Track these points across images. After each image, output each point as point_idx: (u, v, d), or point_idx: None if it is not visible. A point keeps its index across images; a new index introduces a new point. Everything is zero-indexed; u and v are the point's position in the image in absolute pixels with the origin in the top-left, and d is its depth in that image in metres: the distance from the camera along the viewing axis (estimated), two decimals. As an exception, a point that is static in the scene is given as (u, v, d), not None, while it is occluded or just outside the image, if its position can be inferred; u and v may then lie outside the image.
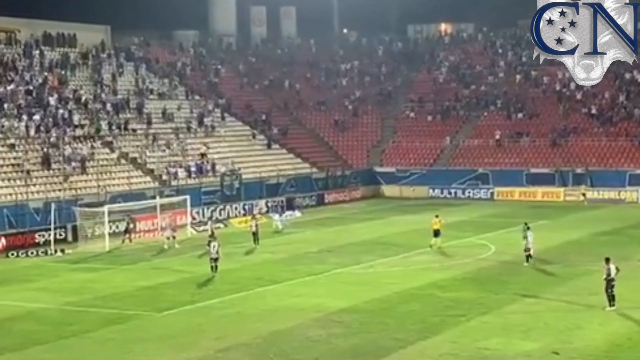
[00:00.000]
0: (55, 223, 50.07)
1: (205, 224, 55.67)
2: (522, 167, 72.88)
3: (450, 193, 73.51)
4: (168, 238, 48.74)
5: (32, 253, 47.38)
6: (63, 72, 70.74)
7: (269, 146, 74.97)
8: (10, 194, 53.09)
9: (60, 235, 50.72)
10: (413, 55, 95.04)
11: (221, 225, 58.12)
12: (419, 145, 79.71)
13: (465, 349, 25.89)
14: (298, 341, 27.45)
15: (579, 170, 70.37)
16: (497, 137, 76.34)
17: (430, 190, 74.16)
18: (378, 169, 78.51)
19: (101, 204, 52.30)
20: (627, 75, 76.79)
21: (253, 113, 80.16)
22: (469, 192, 72.96)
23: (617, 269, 30.84)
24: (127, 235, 50.28)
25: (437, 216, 47.18)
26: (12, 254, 47.14)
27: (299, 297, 34.17)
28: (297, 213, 64.28)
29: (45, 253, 47.43)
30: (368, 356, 25.44)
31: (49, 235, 49.60)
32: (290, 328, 29.11)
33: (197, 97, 77.72)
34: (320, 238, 51.16)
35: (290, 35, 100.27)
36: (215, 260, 39.86)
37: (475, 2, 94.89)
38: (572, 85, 79.83)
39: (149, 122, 68.57)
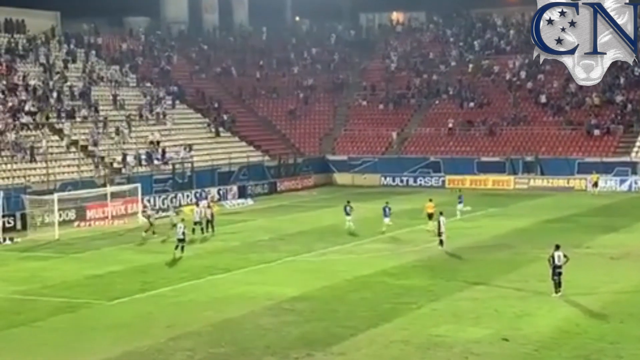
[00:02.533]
0: (3, 211, 49.38)
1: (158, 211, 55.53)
2: (473, 156, 73.48)
3: (402, 181, 73.89)
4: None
5: (-20, 241, 46.82)
6: (11, 58, 69.71)
7: (218, 134, 74.55)
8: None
9: (9, 223, 49.99)
10: (365, 43, 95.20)
11: (172, 213, 57.77)
12: (371, 133, 79.93)
13: (415, 336, 26.05)
14: (249, 329, 27.41)
15: (528, 159, 71.14)
16: (450, 125, 76.80)
17: (382, 178, 74.48)
18: (330, 157, 78.61)
19: (50, 192, 51.73)
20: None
21: (205, 101, 79.75)
22: (421, 180, 73.39)
23: (566, 257, 31.25)
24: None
25: (430, 200, 48.75)
26: (-40, 243, 46.56)
27: (251, 285, 34.11)
28: (250, 201, 64.28)
29: (-6, 241, 46.90)
30: (319, 344, 25.48)
31: (-3, 223, 48.99)
32: (241, 316, 29.06)
33: (148, 85, 77.10)
34: (273, 226, 51.09)
35: (243, 22, 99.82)
36: (182, 241, 40.84)
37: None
38: (523, 74, 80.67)
39: (99, 110, 67.87)
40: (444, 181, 72.43)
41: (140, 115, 70.42)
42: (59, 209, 50.11)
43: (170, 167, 64.17)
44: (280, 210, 58.75)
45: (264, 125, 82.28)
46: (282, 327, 27.47)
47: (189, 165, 65.11)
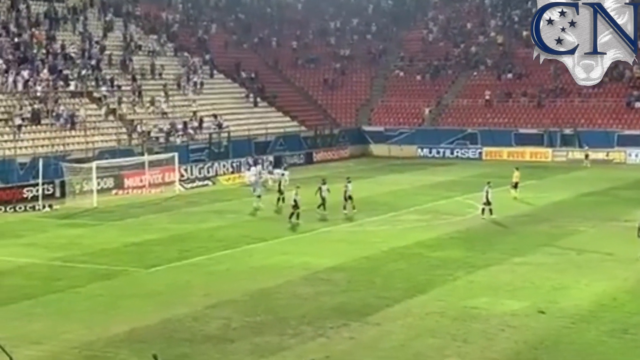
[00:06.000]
0: (43, 178, 49.89)
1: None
2: (511, 128, 72.95)
3: (438, 152, 73.61)
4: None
5: (20, 208, 47.30)
6: (50, 27, 70.03)
7: (256, 104, 74.67)
8: (-2, 150, 53.00)
9: (48, 190, 50.55)
10: (403, 13, 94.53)
11: (209, 182, 58.17)
12: (407, 104, 79.58)
13: (451, 308, 26.01)
14: (286, 299, 27.52)
15: (567, 131, 70.51)
16: (487, 97, 76.26)
17: (419, 150, 74.21)
18: (366, 128, 78.41)
19: (89, 160, 52.14)
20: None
21: (242, 70, 79.71)
22: (458, 152, 73.06)
23: None
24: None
25: (517, 169, 48.92)
26: (0, 209, 47.05)
27: (287, 255, 34.21)
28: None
29: (33, 208, 47.35)
30: (355, 314, 25.52)
31: (37, 190, 49.46)
32: (278, 285, 29.17)
33: (185, 54, 77.14)
34: (309, 196, 51.00)
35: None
36: (295, 207, 41.18)
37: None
38: (562, 46, 79.73)
39: (137, 79, 68.10)
40: (481, 153, 72.04)
41: (178, 85, 70.60)
42: (97, 177, 50.53)
43: (207, 136, 64.41)
44: (316, 181, 58.59)
45: (301, 96, 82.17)
46: (318, 297, 27.55)
47: (226, 135, 65.25)
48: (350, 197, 44.42)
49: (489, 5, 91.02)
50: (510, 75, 78.90)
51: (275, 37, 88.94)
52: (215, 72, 76.60)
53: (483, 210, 41.80)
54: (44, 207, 47.62)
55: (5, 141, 53.97)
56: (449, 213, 43.84)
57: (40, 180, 49.63)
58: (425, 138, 74.96)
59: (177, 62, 75.05)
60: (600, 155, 67.53)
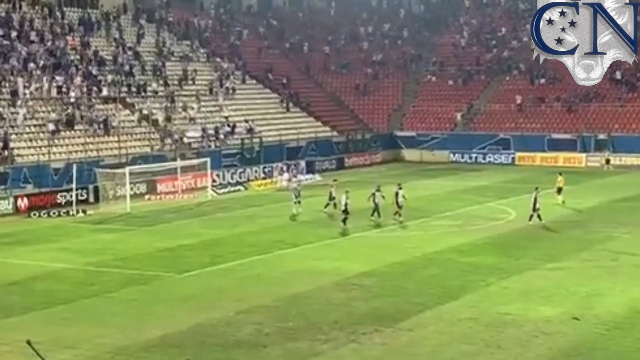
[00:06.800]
0: (77, 184, 50.22)
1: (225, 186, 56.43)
2: (544, 133, 72.49)
3: (471, 158, 73.30)
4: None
5: (54, 213, 47.63)
6: (85, 33, 70.58)
7: (288, 109, 74.81)
8: (33, 155, 53.37)
9: (82, 196, 50.86)
10: (435, 18, 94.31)
11: (241, 188, 58.31)
12: (439, 109, 79.34)
13: (484, 314, 25.85)
14: (317, 304, 27.49)
15: (601, 136, 69.94)
16: (519, 101, 75.85)
17: (451, 155, 73.97)
18: (398, 133, 78.26)
19: (122, 166, 52.46)
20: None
21: (274, 76, 79.86)
22: (490, 157, 72.71)
23: None
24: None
25: (560, 174, 48.77)
26: (34, 214, 47.45)
27: (319, 261, 34.20)
28: (317, 176, 64.40)
29: (67, 214, 47.65)
30: (387, 320, 25.44)
31: (71, 196, 49.80)
32: (310, 291, 29.16)
33: (218, 60, 77.46)
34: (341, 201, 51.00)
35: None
36: (345, 212, 41.14)
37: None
38: (596, 50, 79.08)
39: (170, 85, 68.45)
40: (513, 158, 71.66)
41: (210, 91, 70.88)
42: (131, 182, 50.82)
43: (239, 142, 64.60)
44: (348, 186, 58.53)
45: (333, 101, 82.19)
46: (350, 303, 27.50)
47: (258, 140, 65.39)
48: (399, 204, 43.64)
49: (522, 10, 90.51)
50: (543, 80, 78.38)
51: (307, 42, 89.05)
52: (247, 77, 76.84)
53: (539, 216, 41.15)
54: (77, 212, 47.92)
55: (40, 147, 54.42)
56: (481, 218, 43.64)
57: (74, 186, 49.90)
58: (458, 143, 74.70)
59: (210, 68, 75.39)
60: (634, 160, 66.88)
